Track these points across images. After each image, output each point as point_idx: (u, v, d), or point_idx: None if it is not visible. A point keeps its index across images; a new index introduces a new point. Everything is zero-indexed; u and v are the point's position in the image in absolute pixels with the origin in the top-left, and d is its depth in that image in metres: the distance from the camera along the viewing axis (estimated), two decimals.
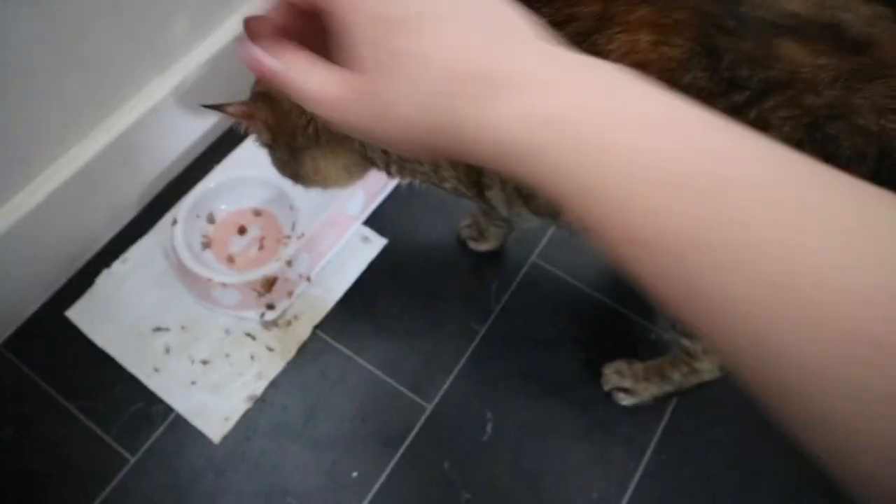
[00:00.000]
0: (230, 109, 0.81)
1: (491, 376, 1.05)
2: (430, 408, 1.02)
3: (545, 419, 1.02)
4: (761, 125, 0.59)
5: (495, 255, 1.15)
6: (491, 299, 1.11)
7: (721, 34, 0.59)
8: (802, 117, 0.58)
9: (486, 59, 0.31)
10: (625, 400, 1.02)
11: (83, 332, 1.07)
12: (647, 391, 1.00)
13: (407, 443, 1.00)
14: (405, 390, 1.04)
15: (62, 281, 1.12)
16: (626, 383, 1.01)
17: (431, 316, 1.10)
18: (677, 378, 0.95)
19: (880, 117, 0.57)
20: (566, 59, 0.32)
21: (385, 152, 0.82)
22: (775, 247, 0.26)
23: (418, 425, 1.01)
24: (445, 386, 1.04)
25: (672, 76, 0.59)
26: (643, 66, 0.59)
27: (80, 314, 1.09)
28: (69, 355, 1.06)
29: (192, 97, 1.16)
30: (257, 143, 0.88)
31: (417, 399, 1.03)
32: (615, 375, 1.02)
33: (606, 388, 1.03)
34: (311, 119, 0.80)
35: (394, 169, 0.86)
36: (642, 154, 0.29)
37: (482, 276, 1.14)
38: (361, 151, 0.84)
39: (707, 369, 0.90)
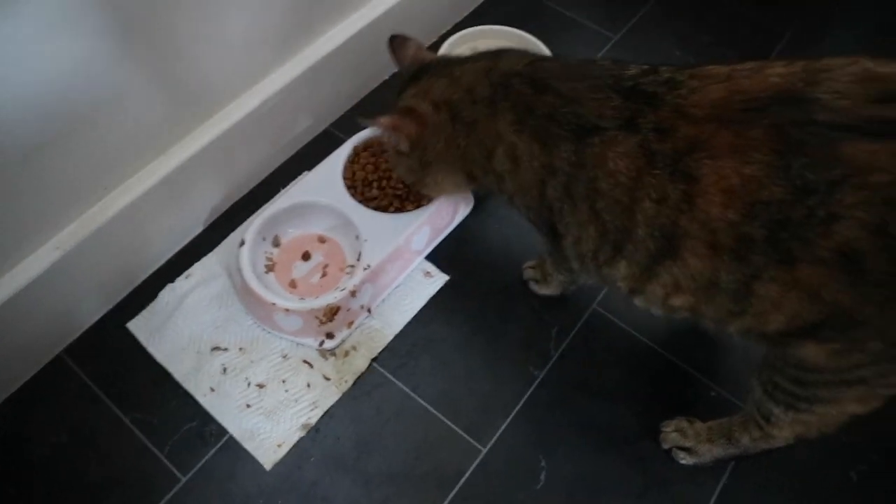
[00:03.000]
0: (382, 121, 0.93)
1: (547, 423, 1.04)
2: (484, 451, 1.01)
3: (600, 472, 1.00)
4: (830, 220, 0.62)
5: (556, 300, 1.14)
6: (550, 344, 1.10)
7: (790, 143, 0.63)
8: (874, 196, 0.61)
9: None
10: (685, 459, 1.00)
11: (143, 345, 1.08)
12: (710, 453, 0.97)
13: (459, 485, 0.98)
14: (460, 431, 1.02)
15: (126, 292, 1.14)
16: (688, 443, 0.99)
17: (490, 357, 1.09)
18: (746, 442, 0.93)
19: None
20: None
21: (487, 174, 0.92)
22: None
23: (472, 468, 1.00)
24: (501, 429, 1.03)
25: (753, 197, 0.65)
26: (731, 191, 0.66)
27: (141, 327, 1.10)
28: (128, 367, 1.07)
29: (265, 123, 1.18)
30: (393, 150, 1.01)
31: (472, 441, 1.02)
32: (676, 434, 1.00)
33: (666, 446, 1.01)
34: (445, 139, 0.92)
35: (492, 189, 0.95)
36: None
37: (542, 321, 1.12)
38: (469, 172, 0.95)
39: (783, 437, 0.87)
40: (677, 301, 0.78)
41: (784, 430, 0.86)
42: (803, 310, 0.69)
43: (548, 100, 0.80)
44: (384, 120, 0.93)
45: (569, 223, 0.83)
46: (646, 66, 0.77)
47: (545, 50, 1.27)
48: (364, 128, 1.20)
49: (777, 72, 0.68)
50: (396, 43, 1.01)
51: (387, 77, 1.41)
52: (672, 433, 1.01)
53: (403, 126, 0.93)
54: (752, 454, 0.95)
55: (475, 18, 1.51)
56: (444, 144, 0.92)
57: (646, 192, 0.71)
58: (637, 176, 0.72)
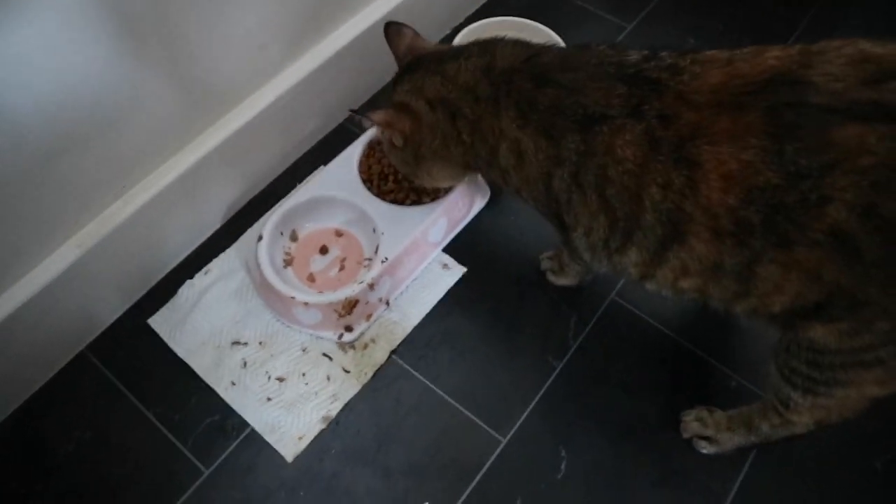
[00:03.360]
0: (375, 116, 0.93)
1: (567, 413, 1.04)
2: (504, 441, 1.01)
3: (620, 462, 1.00)
4: (822, 202, 0.63)
5: (574, 291, 1.14)
6: (569, 335, 1.10)
7: (784, 126, 0.64)
8: (862, 179, 0.61)
9: None
10: (706, 448, 0.99)
11: (164, 341, 1.09)
12: (731, 441, 0.97)
13: (480, 476, 0.99)
14: (480, 422, 1.03)
15: (146, 289, 1.15)
16: (709, 432, 0.99)
17: (508, 348, 1.09)
18: (766, 429, 0.92)
19: None
20: None
21: (491, 169, 0.92)
22: None
23: (492, 459, 1.00)
24: (521, 420, 1.03)
25: (750, 182, 0.66)
26: (730, 177, 0.67)
27: (162, 323, 1.11)
28: (150, 362, 1.08)
29: (280, 119, 1.18)
30: (387, 141, 1.02)
31: (492, 432, 1.02)
32: (696, 423, 1.00)
33: (686, 435, 1.01)
34: (442, 135, 0.92)
35: (498, 182, 0.96)
36: None
37: (560, 311, 1.12)
38: (464, 163, 0.96)
39: (803, 423, 0.87)
40: (685, 283, 0.79)
41: (804, 416, 0.85)
42: (805, 290, 0.69)
43: (550, 93, 0.80)
44: (377, 115, 0.93)
45: (578, 214, 0.83)
46: (646, 52, 0.77)
47: (559, 41, 1.26)
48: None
49: (774, 55, 0.68)
50: (392, 31, 1.00)
51: None
52: (692, 422, 1.00)
53: (397, 122, 0.93)
54: (774, 441, 0.94)
55: (487, 10, 1.50)
56: (441, 141, 0.93)
57: (652, 177, 0.72)
58: (644, 162, 0.72)
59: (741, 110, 0.67)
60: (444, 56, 0.93)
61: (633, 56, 0.77)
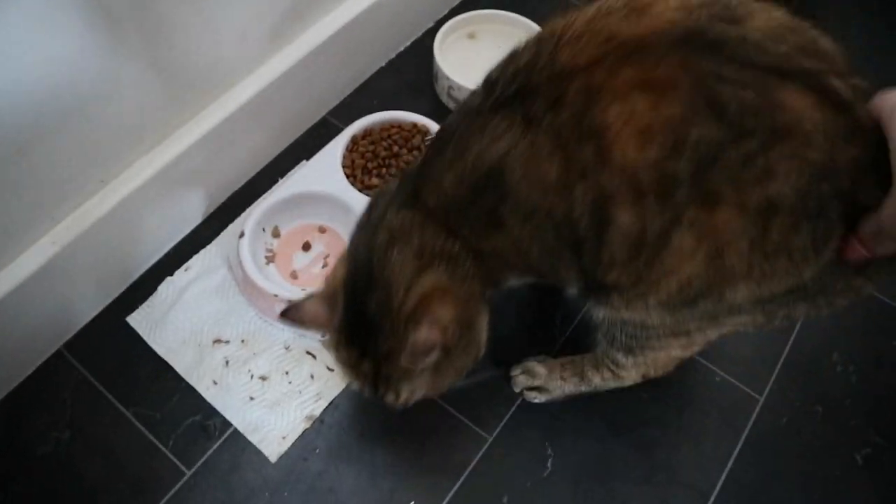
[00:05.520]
0: (420, 340, 0.70)
1: (552, 410, 1.03)
2: (490, 439, 1.01)
3: (606, 458, 1.00)
4: (767, 173, 0.59)
5: (558, 289, 1.13)
6: (555, 331, 1.10)
7: (721, 84, 0.58)
8: (807, 169, 0.59)
9: None
10: (537, 398, 1.02)
11: (143, 339, 1.07)
12: (561, 389, 1.00)
13: (466, 474, 0.98)
14: (465, 420, 1.02)
15: (125, 286, 1.12)
16: (537, 382, 1.01)
17: (494, 344, 1.07)
18: (597, 381, 0.98)
19: (854, 183, 0.60)
20: None
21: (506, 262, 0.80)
22: None
23: (478, 456, 0.99)
24: (506, 417, 1.02)
25: (678, 133, 0.58)
26: (648, 129, 0.59)
27: (141, 321, 1.09)
28: (129, 361, 1.06)
29: (262, 112, 1.16)
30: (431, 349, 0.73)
31: (478, 430, 1.01)
32: (523, 377, 1.02)
33: (517, 390, 1.03)
34: (469, 273, 0.76)
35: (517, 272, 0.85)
36: None
37: (545, 309, 1.12)
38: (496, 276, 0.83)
39: (631, 377, 0.95)
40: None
41: (630, 372, 0.94)
42: (697, 276, 0.65)
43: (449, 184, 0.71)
44: (423, 335, 0.70)
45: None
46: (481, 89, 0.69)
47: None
48: (360, 116, 1.19)
49: (672, 5, 0.60)
50: (291, 312, 0.82)
51: (383, 64, 1.39)
52: (520, 376, 1.02)
53: (441, 311, 0.72)
54: (603, 392, 1.00)
55: (469, 4, 1.49)
56: (458, 279, 0.75)
57: (572, 178, 0.63)
58: (561, 173, 0.64)
59: (651, 60, 0.58)
60: (365, 237, 0.78)
61: (476, 100, 0.68)
